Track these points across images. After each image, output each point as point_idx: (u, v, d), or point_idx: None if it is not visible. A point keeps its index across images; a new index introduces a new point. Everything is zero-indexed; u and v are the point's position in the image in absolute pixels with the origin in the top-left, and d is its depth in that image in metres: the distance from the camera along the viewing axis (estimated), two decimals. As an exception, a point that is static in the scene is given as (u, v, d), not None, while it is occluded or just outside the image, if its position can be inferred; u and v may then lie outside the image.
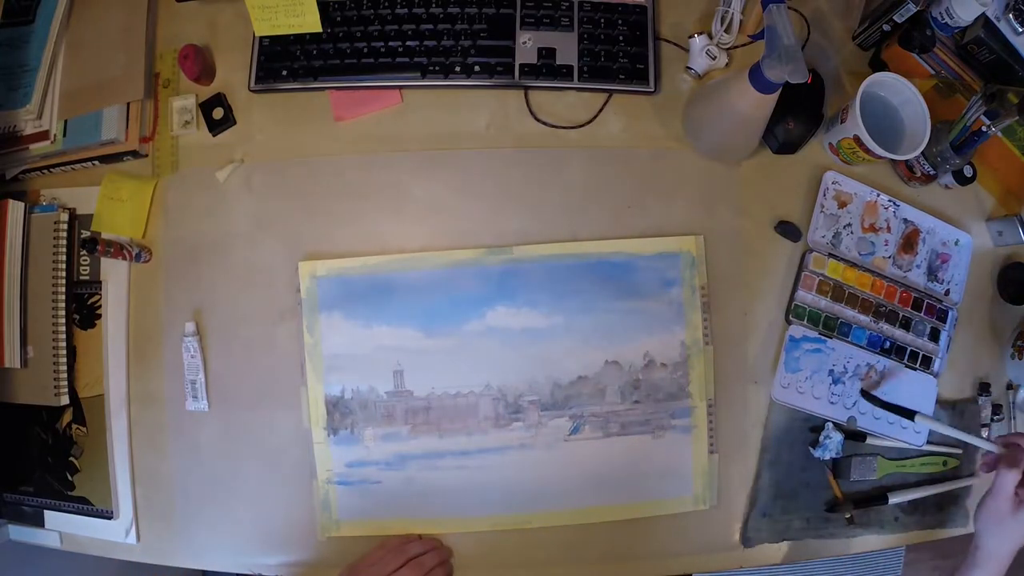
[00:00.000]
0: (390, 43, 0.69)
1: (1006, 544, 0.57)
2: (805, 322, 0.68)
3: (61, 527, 0.70)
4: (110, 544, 0.69)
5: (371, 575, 0.60)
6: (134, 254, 0.68)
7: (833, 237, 0.70)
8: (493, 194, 0.69)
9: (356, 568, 0.62)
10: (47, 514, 0.70)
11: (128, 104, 0.70)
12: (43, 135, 0.70)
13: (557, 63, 0.69)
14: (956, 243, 0.72)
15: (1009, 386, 0.73)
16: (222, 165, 0.70)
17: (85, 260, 0.71)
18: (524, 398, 0.67)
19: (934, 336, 0.71)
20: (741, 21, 0.70)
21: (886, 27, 0.68)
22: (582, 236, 0.68)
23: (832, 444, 0.66)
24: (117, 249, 0.66)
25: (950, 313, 0.71)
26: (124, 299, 0.70)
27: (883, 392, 0.68)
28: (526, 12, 0.70)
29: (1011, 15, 0.64)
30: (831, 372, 0.68)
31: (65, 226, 0.70)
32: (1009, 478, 0.57)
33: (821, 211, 0.69)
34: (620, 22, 0.70)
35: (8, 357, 0.68)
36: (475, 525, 0.67)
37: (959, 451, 0.71)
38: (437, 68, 0.69)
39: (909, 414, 0.63)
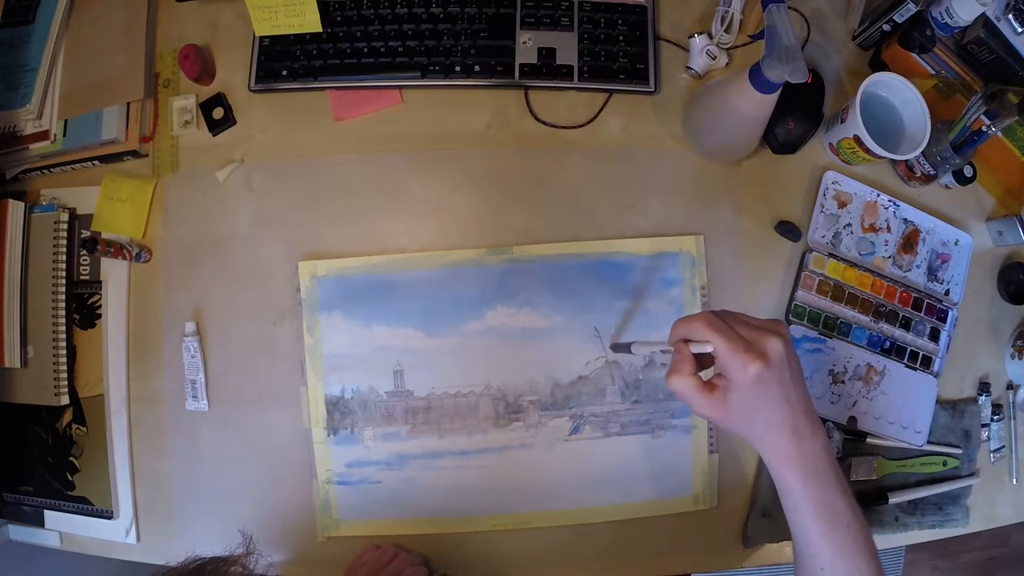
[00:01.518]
0: (390, 43, 0.69)
1: (761, 422, 0.48)
2: (805, 322, 0.68)
3: (61, 527, 0.70)
4: (110, 544, 0.69)
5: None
6: (134, 254, 0.68)
7: (833, 237, 0.70)
8: (493, 194, 0.69)
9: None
10: (47, 514, 0.70)
11: (128, 104, 0.70)
12: (43, 135, 0.70)
13: (557, 63, 0.69)
14: (956, 243, 0.72)
15: (1009, 386, 0.73)
16: (222, 165, 0.70)
17: (85, 260, 0.71)
18: (524, 398, 0.67)
19: (934, 336, 0.71)
20: (741, 21, 0.70)
21: (886, 27, 0.68)
22: (582, 236, 0.68)
23: (832, 444, 0.66)
24: (117, 249, 0.66)
25: (950, 313, 0.71)
26: (124, 299, 0.70)
27: (883, 391, 0.68)
28: (526, 12, 0.70)
29: (1011, 15, 0.65)
30: (831, 372, 0.68)
31: (65, 226, 0.70)
32: (680, 388, 0.48)
33: (821, 211, 0.69)
34: (620, 22, 0.70)
35: (8, 357, 0.68)
36: (475, 525, 0.67)
37: (959, 451, 0.71)
38: (437, 68, 0.69)
39: (626, 347, 0.61)
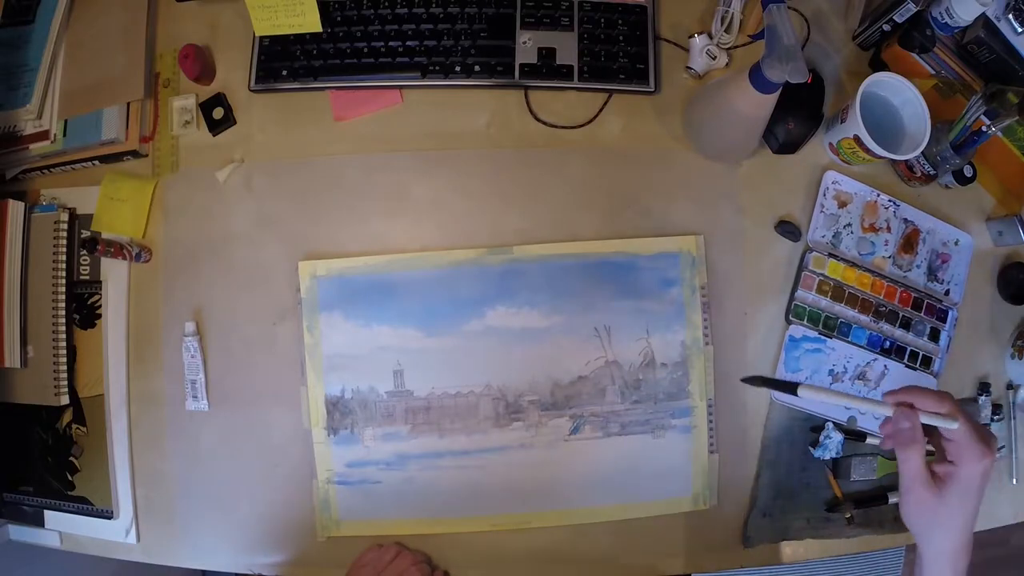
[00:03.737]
0: (390, 43, 0.69)
1: (947, 538, 0.45)
2: (805, 322, 0.68)
3: (61, 527, 0.70)
4: (110, 544, 0.69)
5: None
6: (134, 254, 0.68)
7: (833, 237, 0.70)
8: (493, 194, 0.69)
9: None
10: (47, 514, 0.70)
11: (128, 104, 0.70)
12: (43, 135, 0.70)
13: (557, 63, 0.69)
14: (956, 243, 0.72)
15: (1009, 386, 0.73)
16: (222, 165, 0.70)
17: (85, 260, 0.71)
18: (524, 398, 0.67)
19: (934, 336, 0.71)
20: (741, 21, 0.70)
21: (886, 27, 0.68)
22: (582, 236, 0.68)
23: (832, 444, 0.66)
24: (117, 249, 0.66)
25: (950, 313, 0.71)
26: (124, 299, 0.70)
27: (883, 390, 0.68)
28: (526, 12, 0.70)
29: (1011, 15, 0.64)
30: (831, 372, 0.68)
31: (65, 226, 0.70)
32: (912, 458, 0.45)
33: (821, 211, 0.69)
34: (620, 22, 0.70)
35: (8, 357, 0.68)
36: (475, 525, 0.67)
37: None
38: (437, 68, 0.69)
39: (792, 387, 0.50)
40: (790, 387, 0.50)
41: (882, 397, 0.47)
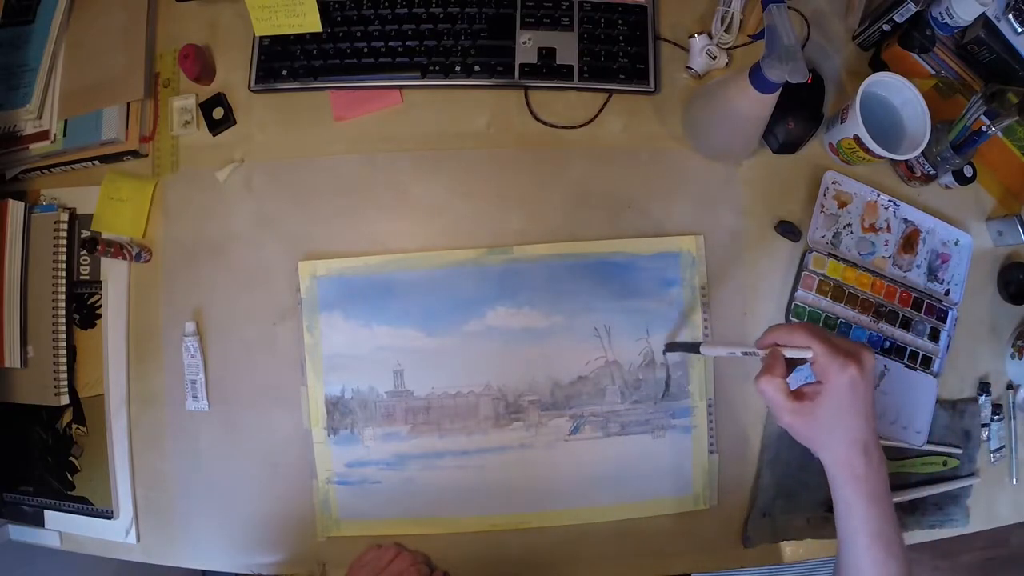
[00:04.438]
0: (390, 43, 0.69)
1: (834, 446, 0.49)
2: (805, 322, 0.68)
3: (61, 527, 0.70)
4: (110, 544, 0.69)
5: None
6: (134, 254, 0.68)
7: (833, 237, 0.70)
8: (493, 194, 0.69)
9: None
10: (47, 514, 0.70)
11: (128, 104, 0.70)
12: (43, 135, 0.70)
13: (557, 63, 0.69)
14: (956, 243, 0.72)
15: (1009, 386, 0.73)
16: (222, 165, 0.70)
17: (85, 260, 0.71)
18: (524, 398, 0.67)
19: (934, 336, 0.71)
20: (741, 21, 0.70)
21: (886, 27, 0.68)
22: (582, 236, 0.68)
23: None
24: (117, 249, 0.66)
25: (950, 313, 0.71)
26: (124, 299, 0.70)
27: (883, 391, 0.68)
28: (526, 12, 0.70)
29: (1011, 15, 0.65)
30: (831, 372, 0.68)
31: (65, 226, 0.70)
32: (766, 389, 0.49)
33: (821, 211, 0.69)
34: (620, 22, 0.70)
35: (8, 357, 0.68)
36: (475, 525, 0.67)
37: (959, 451, 0.71)
38: (437, 68, 0.69)
39: (695, 347, 0.59)
40: (694, 347, 0.59)
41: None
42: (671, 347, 0.67)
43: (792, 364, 0.50)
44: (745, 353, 0.54)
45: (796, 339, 0.49)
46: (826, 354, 0.47)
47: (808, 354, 0.48)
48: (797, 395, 0.49)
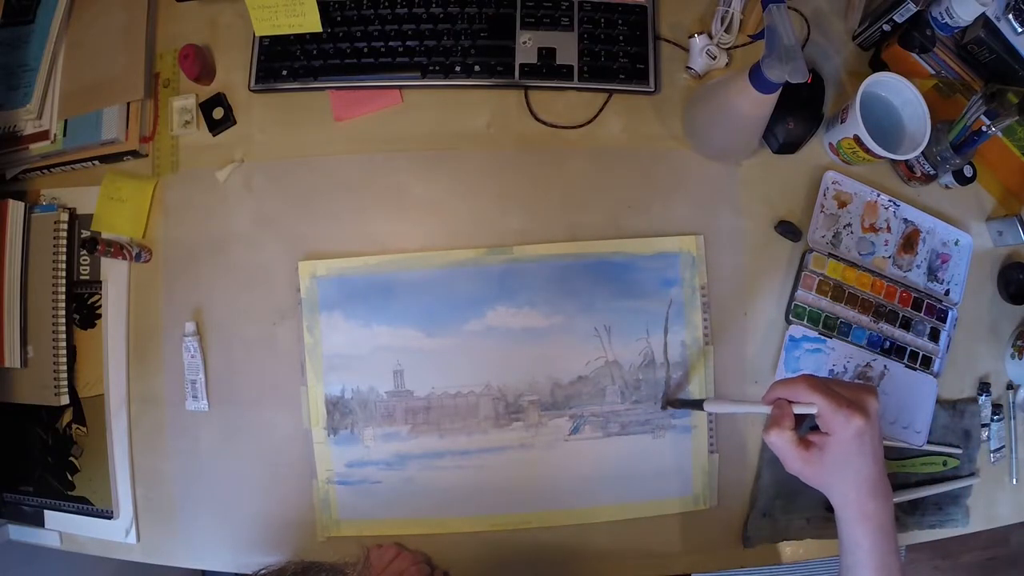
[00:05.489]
0: (390, 43, 0.69)
1: (844, 490, 0.50)
2: (805, 322, 0.68)
3: (61, 527, 0.70)
4: (110, 544, 0.69)
5: None
6: (134, 254, 0.68)
7: (833, 237, 0.70)
8: (493, 194, 0.69)
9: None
10: (47, 514, 0.70)
11: (128, 104, 0.70)
12: (43, 135, 0.70)
13: (557, 63, 0.69)
14: (956, 243, 0.72)
15: (1009, 386, 0.73)
16: (222, 165, 0.70)
17: (85, 260, 0.71)
18: (524, 398, 0.67)
19: (934, 336, 0.71)
20: (741, 21, 0.70)
21: (886, 27, 0.68)
22: (582, 236, 0.68)
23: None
24: (117, 249, 0.66)
25: (950, 313, 0.71)
26: (124, 299, 0.70)
27: (883, 391, 0.68)
28: (526, 12, 0.70)
29: (1011, 15, 0.64)
30: (831, 372, 0.68)
31: (65, 226, 0.70)
32: (773, 441, 0.51)
33: (821, 211, 0.69)
34: (620, 22, 0.70)
35: (8, 357, 0.68)
36: (475, 525, 0.67)
37: (959, 451, 0.71)
38: (437, 68, 0.69)
39: (698, 404, 0.61)
40: (697, 404, 0.60)
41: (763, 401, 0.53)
42: (672, 403, 0.66)
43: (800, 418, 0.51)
44: (749, 412, 0.54)
45: (799, 393, 0.50)
46: (830, 408, 0.48)
47: (813, 409, 0.49)
48: (805, 443, 0.50)
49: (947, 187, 0.73)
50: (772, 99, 0.57)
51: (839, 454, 0.49)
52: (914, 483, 0.70)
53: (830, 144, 0.70)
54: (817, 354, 0.68)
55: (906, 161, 0.69)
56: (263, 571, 0.51)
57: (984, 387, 0.72)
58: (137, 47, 0.71)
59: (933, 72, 0.70)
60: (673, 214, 0.69)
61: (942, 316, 0.71)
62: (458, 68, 0.68)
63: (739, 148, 0.68)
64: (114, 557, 0.69)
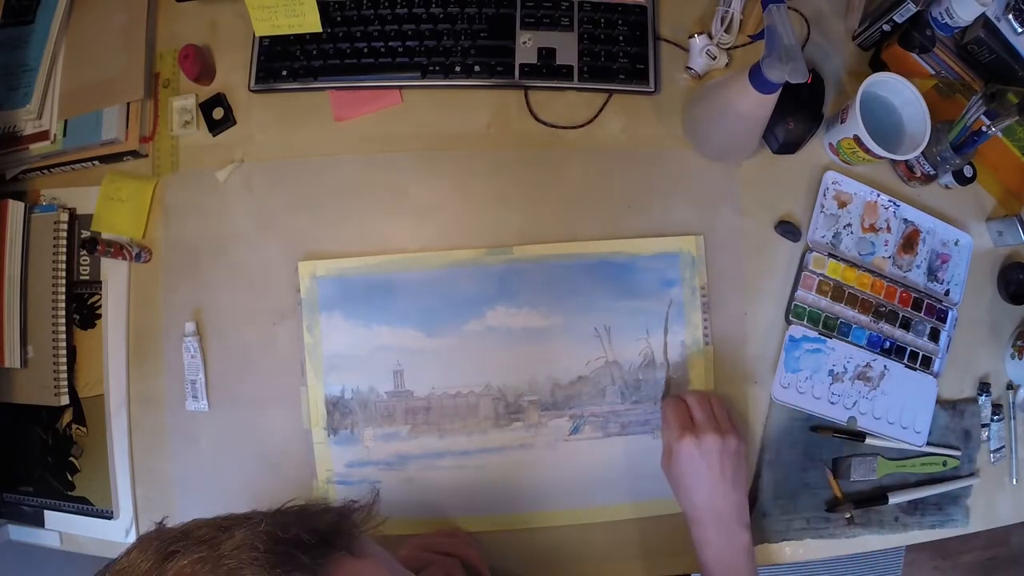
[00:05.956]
0: (390, 43, 0.69)
1: (688, 494, 0.59)
2: (805, 322, 0.68)
3: (61, 527, 0.70)
4: (110, 544, 0.69)
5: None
6: (134, 254, 0.68)
7: (833, 237, 0.70)
8: (493, 194, 0.69)
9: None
10: (47, 514, 0.70)
11: (128, 104, 0.70)
12: (43, 135, 0.70)
13: (557, 63, 0.69)
14: (956, 243, 0.72)
15: (1009, 386, 0.73)
16: (222, 165, 0.70)
17: (85, 260, 0.71)
18: (524, 398, 0.67)
19: (934, 336, 0.71)
20: (741, 21, 0.70)
21: (886, 27, 0.68)
22: (582, 236, 0.68)
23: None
24: (117, 249, 0.66)
25: (950, 313, 0.71)
26: (124, 299, 0.70)
27: (883, 391, 0.68)
28: (526, 12, 0.70)
29: (1011, 15, 0.64)
30: (831, 372, 0.68)
31: (65, 226, 0.70)
32: (672, 438, 0.60)
33: (821, 211, 0.69)
34: (620, 22, 0.70)
35: (8, 357, 0.68)
36: (475, 525, 0.67)
37: (959, 451, 0.71)
38: (437, 68, 0.69)
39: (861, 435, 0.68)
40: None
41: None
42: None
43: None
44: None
45: (689, 400, 0.62)
46: (665, 420, 0.61)
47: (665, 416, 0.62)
48: (667, 451, 0.61)
49: (947, 187, 0.73)
50: (772, 99, 0.57)
51: (677, 462, 0.59)
52: (914, 483, 0.70)
53: (830, 144, 0.70)
54: (817, 354, 0.68)
55: (906, 161, 0.69)
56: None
57: (984, 387, 0.72)
58: (137, 47, 0.71)
59: (933, 72, 0.70)
60: (673, 214, 0.69)
61: (942, 316, 0.71)
62: (458, 68, 0.68)
63: (739, 148, 0.68)
64: (114, 557, 0.69)
